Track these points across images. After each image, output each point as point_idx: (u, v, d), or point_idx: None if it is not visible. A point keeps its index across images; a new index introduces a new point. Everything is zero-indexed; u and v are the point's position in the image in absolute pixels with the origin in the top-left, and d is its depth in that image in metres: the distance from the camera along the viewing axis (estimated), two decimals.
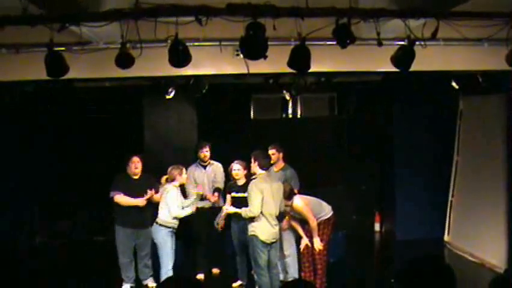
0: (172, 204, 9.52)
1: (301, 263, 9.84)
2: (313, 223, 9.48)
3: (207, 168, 10.71)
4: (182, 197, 9.79)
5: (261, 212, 8.89)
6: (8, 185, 11.80)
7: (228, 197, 9.99)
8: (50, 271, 11.17)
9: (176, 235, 9.72)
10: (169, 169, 9.71)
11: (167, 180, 9.75)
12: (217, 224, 10.08)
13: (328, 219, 9.67)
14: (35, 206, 12.75)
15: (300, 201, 9.52)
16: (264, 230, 8.97)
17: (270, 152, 10.06)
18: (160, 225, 9.52)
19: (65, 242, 12.80)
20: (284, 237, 9.86)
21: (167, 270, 9.44)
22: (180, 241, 10.36)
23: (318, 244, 9.51)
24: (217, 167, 10.84)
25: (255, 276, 9.24)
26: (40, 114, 12.59)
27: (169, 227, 9.54)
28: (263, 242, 8.97)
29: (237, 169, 9.89)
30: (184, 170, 9.77)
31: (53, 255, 12.22)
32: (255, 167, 9.10)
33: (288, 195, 9.37)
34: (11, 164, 11.81)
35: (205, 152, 10.65)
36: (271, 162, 9.99)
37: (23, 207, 12.29)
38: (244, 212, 8.98)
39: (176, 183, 9.64)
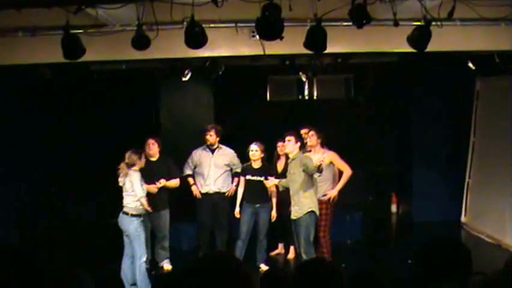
0: (137, 187, 8.95)
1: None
2: (349, 171, 9.53)
3: (215, 152, 10.33)
4: (143, 181, 9.15)
5: (312, 188, 8.96)
6: (26, 168, 11.87)
7: (242, 179, 9.86)
8: (69, 252, 11.23)
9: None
10: (128, 154, 9.04)
11: (127, 166, 9.06)
12: (237, 212, 9.90)
13: (330, 199, 9.54)
14: (52, 188, 12.77)
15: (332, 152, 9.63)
16: (317, 205, 9.04)
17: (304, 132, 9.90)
18: (131, 215, 8.90)
19: (79, 223, 12.80)
20: None
21: (141, 263, 8.88)
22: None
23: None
24: (226, 152, 10.42)
25: (304, 257, 8.78)
26: (57, 97, 12.60)
27: (139, 215, 8.95)
28: (316, 217, 9.03)
29: (254, 150, 9.70)
30: (143, 154, 9.26)
31: (71, 236, 12.24)
32: (296, 147, 9.06)
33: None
34: (28, 148, 11.86)
35: (208, 136, 10.22)
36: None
37: (38, 191, 12.34)
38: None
39: (137, 167, 9.02)
